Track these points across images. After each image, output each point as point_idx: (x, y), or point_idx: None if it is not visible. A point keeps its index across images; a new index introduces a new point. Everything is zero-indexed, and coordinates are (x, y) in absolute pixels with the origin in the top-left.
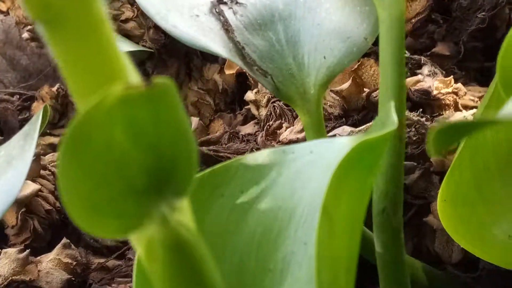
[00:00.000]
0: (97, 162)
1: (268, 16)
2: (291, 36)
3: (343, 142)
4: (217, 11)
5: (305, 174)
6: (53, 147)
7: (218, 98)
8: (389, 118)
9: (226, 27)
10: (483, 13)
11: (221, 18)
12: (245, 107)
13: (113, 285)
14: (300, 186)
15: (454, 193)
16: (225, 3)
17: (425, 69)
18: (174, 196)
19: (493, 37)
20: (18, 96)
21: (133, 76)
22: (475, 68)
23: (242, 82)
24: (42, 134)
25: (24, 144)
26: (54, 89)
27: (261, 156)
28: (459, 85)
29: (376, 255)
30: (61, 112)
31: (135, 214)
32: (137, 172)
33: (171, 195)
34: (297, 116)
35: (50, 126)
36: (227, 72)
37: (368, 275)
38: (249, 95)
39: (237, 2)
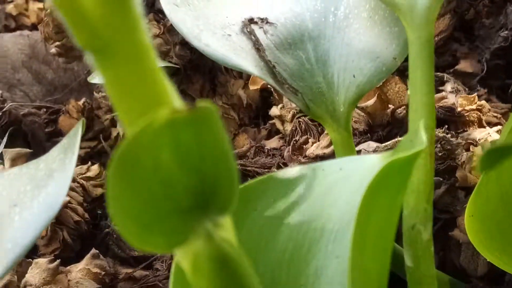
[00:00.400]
0: (145, 183)
1: (298, 35)
2: (320, 55)
3: (373, 160)
4: (248, 30)
5: (335, 191)
6: (80, 160)
7: (242, 113)
8: (418, 137)
9: (257, 46)
10: (506, 32)
11: (252, 37)
12: (269, 121)
13: None
14: (331, 203)
15: (480, 209)
16: (256, 23)
17: (448, 86)
18: (217, 213)
19: None
20: (44, 110)
21: (177, 100)
22: (497, 85)
23: (266, 97)
24: None
25: (65, 157)
26: (80, 103)
27: (292, 172)
28: (483, 102)
29: (406, 269)
30: (87, 126)
31: (182, 231)
32: (182, 192)
33: (215, 213)
34: (322, 132)
35: None
36: (251, 87)
37: None
38: (274, 110)
39: (267, 22)
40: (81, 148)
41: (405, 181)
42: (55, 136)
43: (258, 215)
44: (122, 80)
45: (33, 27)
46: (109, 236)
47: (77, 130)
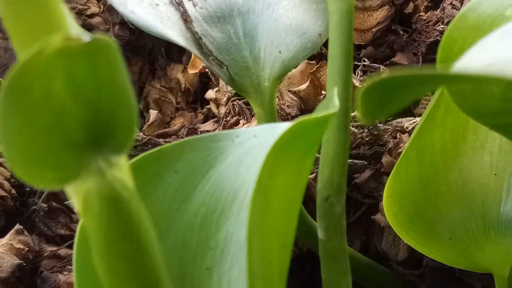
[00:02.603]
0: (36, 113)
1: (227, 10)
2: (249, 30)
3: (286, 125)
4: (177, 1)
5: (249, 157)
6: None
7: (180, 97)
8: (331, 102)
9: (185, 18)
10: (442, 26)
11: (181, 8)
12: (206, 106)
13: (64, 273)
14: (244, 170)
15: (399, 190)
16: None
17: None
18: (112, 151)
19: None
20: None
21: (74, 28)
22: None
23: (205, 82)
24: None
25: None
26: None
27: (208, 139)
28: None
29: (319, 243)
30: None
31: (73, 166)
32: (76, 125)
33: (109, 151)
34: (254, 114)
35: None
36: (190, 71)
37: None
38: (210, 94)
39: None
40: None
41: (314, 144)
42: None
43: (175, 176)
44: (15, 2)
45: None
46: (36, 213)
47: None
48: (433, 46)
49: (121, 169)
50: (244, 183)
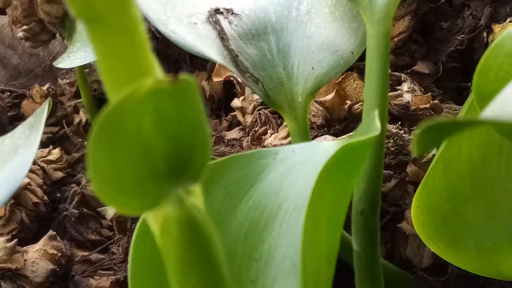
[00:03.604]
0: (125, 146)
1: (261, 27)
2: (282, 47)
3: (329, 145)
4: (214, 20)
5: (292, 174)
6: (42, 144)
7: (204, 104)
8: (373, 124)
9: (222, 36)
10: (462, 36)
11: (217, 27)
12: (231, 113)
13: (95, 277)
14: (287, 185)
15: (427, 201)
16: (221, 13)
17: (405, 86)
18: (190, 180)
19: (471, 58)
20: (8, 94)
21: (160, 72)
22: (452, 87)
23: (229, 89)
24: None
25: (30, 134)
26: (45, 88)
27: (250, 156)
28: (437, 102)
29: (354, 254)
30: (50, 111)
31: (155, 194)
32: (160, 158)
33: (187, 180)
34: (281, 124)
35: None
36: (215, 79)
37: (345, 276)
38: (236, 102)
39: (232, 13)
40: (43, 133)
41: (359, 165)
42: (18, 120)
43: (220, 191)
44: (112, 50)
45: (0, 12)
46: (67, 219)
47: (43, 109)
48: (454, 55)
49: (197, 196)
50: (287, 198)
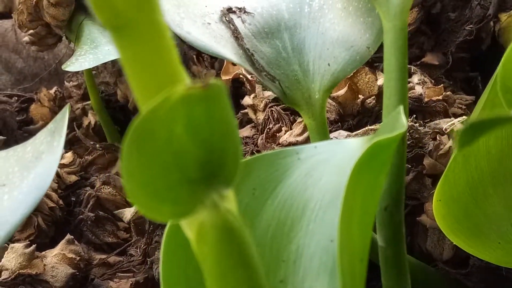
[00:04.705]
0: (158, 154)
1: (275, 25)
2: (296, 44)
3: (351, 144)
4: (227, 19)
5: (316, 172)
6: None
7: None
8: (398, 120)
9: (236, 35)
10: (470, 26)
11: (231, 26)
12: (241, 111)
13: (114, 280)
14: (312, 184)
15: (448, 194)
16: (234, 12)
17: (415, 78)
18: (223, 185)
19: (479, 48)
20: (16, 98)
21: (187, 78)
22: (461, 77)
23: (238, 87)
24: None
25: (52, 140)
26: (52, 91)
27: (274, 156)
28: (449, 93)
29: (379, 249)
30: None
31: (190, 201)
32: (192, 163)
33: (221, 185)
34: (294, 120)
35: None
36: (223, 77)
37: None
38: (247, 100)
39: (245, 11)
40: None
41: (387, 162)
42: (26, 124)
43: (245, 193)
44: (140, 58)
45: (2, 16)
46: (83, 222)
47: (64, 114)
48: (462, 45)
49: (231, 200)
50: (312, 197)
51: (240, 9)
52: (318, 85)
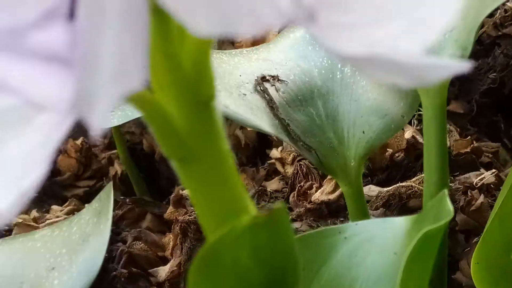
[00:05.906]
0: (224, 278)
1: (308, 92)
2: (330, 111)
3: (396, 222)
4: (262, 89)
5: (361, 252)
6: (78, 198)
7: (240, 152)
8: (445, 207)
9: (271, 105)
10: (494, 74)
11: (266, 96)
12: (268, 161)
13: None
14: (357, 263)
15: (486, 256)
16: (268, 81)
17: None
18: None
19: (501, 93)
20: None
21: (251, 203)
22: (485, 123)
23: (263, 137)
24: (68, 186)
25: (99, 222)
26: (78, 142)
27: (317, 236)
28: (477, 145)
29: None
30: (85, 164)
31: None
32: (256, 285)
33: None
34: (324, 176)
35: (75, 178)
36: (249, 128)
37: None
38: (275, 153)
39: (279, 79)
40: (80, 187)
41: (435, 248)
42: (54, 175)
43: None
44: (205, 188)
45: None
46: (116, 279)
47: (109, 194)
48: (486, 93)
49: None
50: (358, 277)
51: (273, 77)
52: (353, 153)
